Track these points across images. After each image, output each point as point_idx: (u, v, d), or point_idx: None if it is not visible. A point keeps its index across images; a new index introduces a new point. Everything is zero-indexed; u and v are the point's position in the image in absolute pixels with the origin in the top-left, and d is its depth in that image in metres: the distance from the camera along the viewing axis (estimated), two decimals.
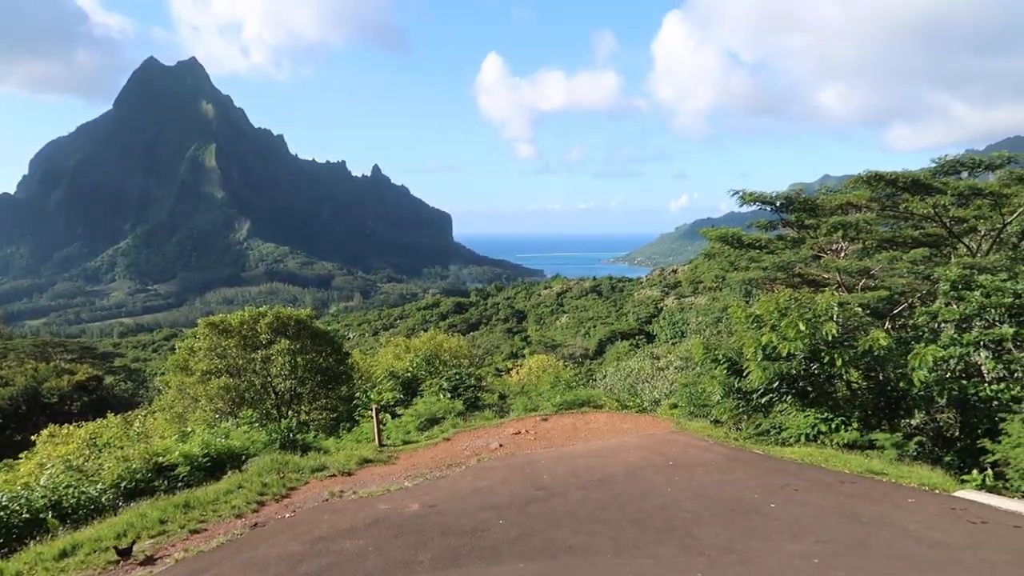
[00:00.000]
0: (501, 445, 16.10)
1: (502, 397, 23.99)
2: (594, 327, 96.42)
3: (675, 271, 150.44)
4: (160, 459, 14.45)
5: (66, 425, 23.84)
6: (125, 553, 9.80)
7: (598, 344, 78.56)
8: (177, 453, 14.59)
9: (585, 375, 36.78)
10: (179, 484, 13.76)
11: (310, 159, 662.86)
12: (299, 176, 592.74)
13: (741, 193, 25.03)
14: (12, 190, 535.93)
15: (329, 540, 10.03)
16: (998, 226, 24.44)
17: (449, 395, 21.85)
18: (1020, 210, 23.50)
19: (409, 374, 26.27)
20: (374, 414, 17.56)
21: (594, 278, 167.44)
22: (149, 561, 9.84)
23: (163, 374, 28.17)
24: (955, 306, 16.50)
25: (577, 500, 11.26)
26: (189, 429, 18.60)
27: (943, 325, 17.86)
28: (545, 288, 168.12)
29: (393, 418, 20.83)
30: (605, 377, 32.67)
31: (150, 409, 30.45)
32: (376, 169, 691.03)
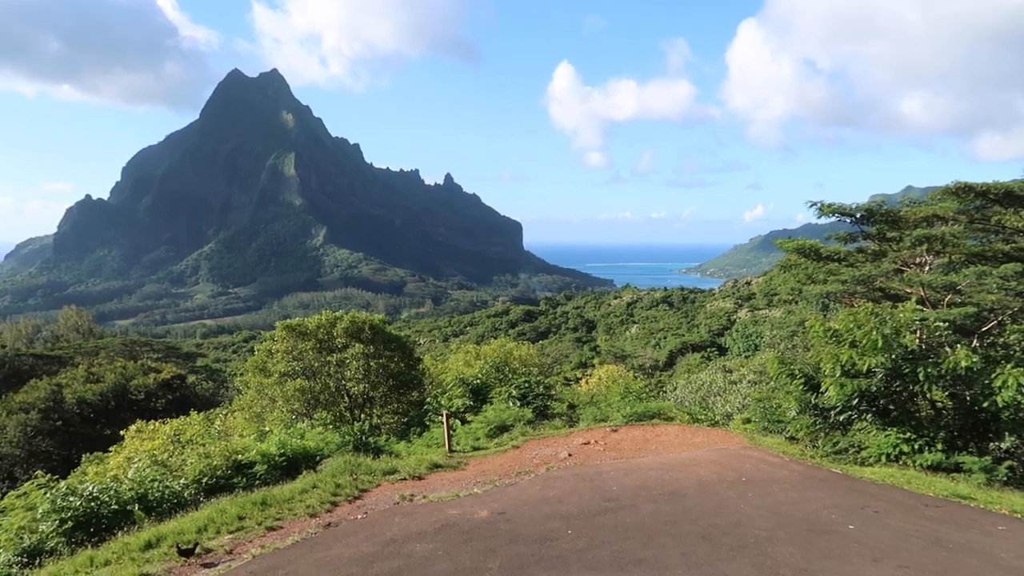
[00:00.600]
0: (570, 455, 16.05)
1: (571, 407, 23.92)
2: (664, 338, 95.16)
3: (749, 283, 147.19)
4: (239, 457, 14.93)
5: (152, 421, 24.88)
6: (188, 553, 10.02)
7: (669, 355, 77.49)
8: (255, 452, 15.06)
9: (655, 387, 36.33)
10: (257, 482, 14.19)
11: (384, 168, 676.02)
12: (374, 184, 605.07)
13: (819, 204, 24.35)
14: (106, 196, 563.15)
15: (400, 543, 10.18)
16: None
17: (518, 403, 21.90)
18: None
19: (479, 381, 26.45)
20: (444, 419, 17.73)
21: (665, 288, 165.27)
22: (227, 556, 10.17)
23: (242, 375, 29.07)
24: None
25: (647, 513, 11.14)
26: (267, 429, 19.15)
27: None
28: (615, 298, 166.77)
29: (463, 424, 20.99)
30: (676, 389, 32.21)
31: (230, 408, 31.45)
32: (448, 178, 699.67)
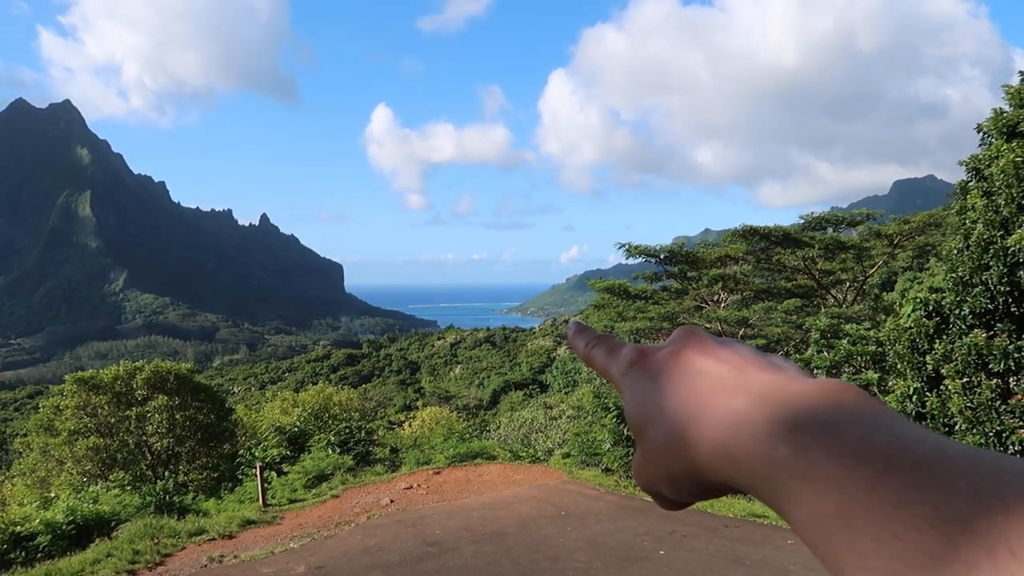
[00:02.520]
0: (392, 501, 15.73)
1: (394, 451, 23.50)
2: (488, 377, 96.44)
3: (566, 321, 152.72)
4: (18, 528, 13.31)
5: None
6: None
7: (492, 394, 78.51)
8: (38, 521, 13.48)
9: (479, 426, 36.59)
10: (39, 555, 12.69)
11: (194, 207, 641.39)
12: (181, 224, 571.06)
13: (627, 246, 25.95)
14: None
15: None
16: (860, 278, 26.27)
17: (338, 450, 21.22)
18: (878, 264, 25.36)
19: (296, 429, 25.38)
20: (258, 472, 16.82)
21: (488, 328, 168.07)
22: None
23: (25, 435, 26.10)
24: (826, 354, 17.53)
25: (469, 555, 11.11)
26: (53, 494, 17.27)
27: (816, 372, 18.92)
28: (439, 339, 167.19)
29: (279, 476, 20.00)
30: (499, 428, 32.59)
31: (8, 474, 28.09)
32: (264, 218, 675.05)
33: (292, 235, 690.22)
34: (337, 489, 17.39)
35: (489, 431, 34.16)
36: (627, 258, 26.28)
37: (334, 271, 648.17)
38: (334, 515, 14.88)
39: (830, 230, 26.06)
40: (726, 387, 0.50)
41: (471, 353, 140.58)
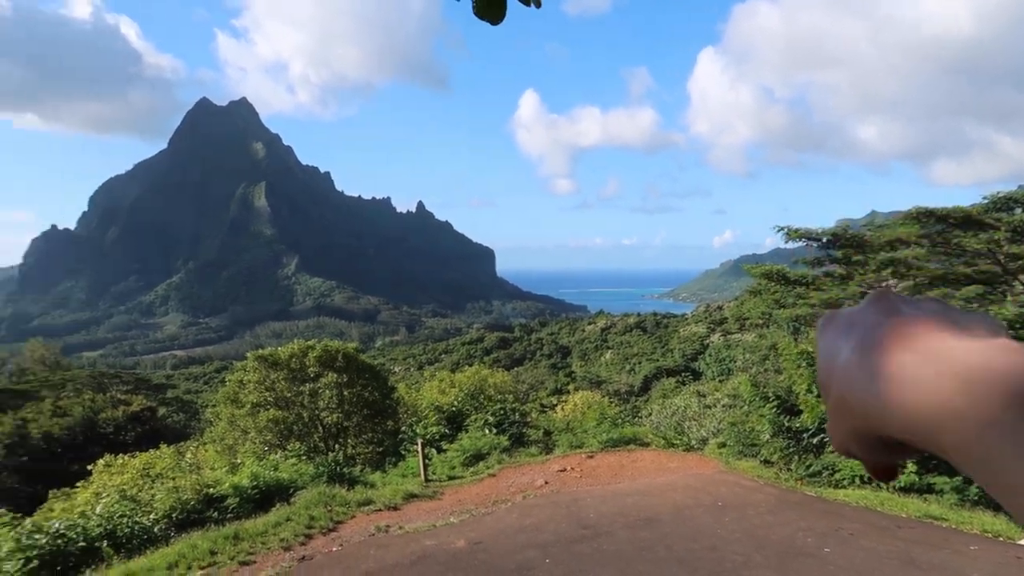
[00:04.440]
0: (546, 482, 16.00)
1: (547, 433, 23.85)
2: (639, 363, 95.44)
3: (720, 307, 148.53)
4: (211, 490, 14.69)
5: (121, 455, 24.36)
6: None
7: (643, 381, 77.68)
8: (227, 484, 14.82)
9: (631, 412, 36.34)
10: (229, 515, 13.96)
11: (356, 196, 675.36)
12: (345, 212, 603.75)
13: (786, 229, 24.79)
14: (72, 226, 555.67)
15: (375, 574, 10.06)
16: None
17: (494, 430, 21.81)
18: None
19: (454, 409, 26.28)
20: (419, 449, 17.60)
21: (639, 314, 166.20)
22: None
23: (214, 406, 28.64)
24: None
25: (624, 540, 11.12)
26: (239, 461, 18.85)
27: None
28: (589, 324, 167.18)
29: (439, 453, 20.84)
30: (651, 415, 32.24)
31: (201, 440, 30.92)
32: (420, 205, 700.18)
33: (446, 221, 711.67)
34: (494, 468, 17.91)
35: (641, 417, 33.89)
36: (786, 242, 25.09)
37: (486, 256, 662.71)
38: (491, 493, 15.34)
39: (1019, 211, 23.66)
40: (922, 352, 0.49)
41: (622, 338, 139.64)
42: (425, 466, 17.32)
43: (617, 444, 19.91)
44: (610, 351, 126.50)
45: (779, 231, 25.16)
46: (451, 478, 17.49)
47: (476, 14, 2.41)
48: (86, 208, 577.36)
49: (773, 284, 28.89)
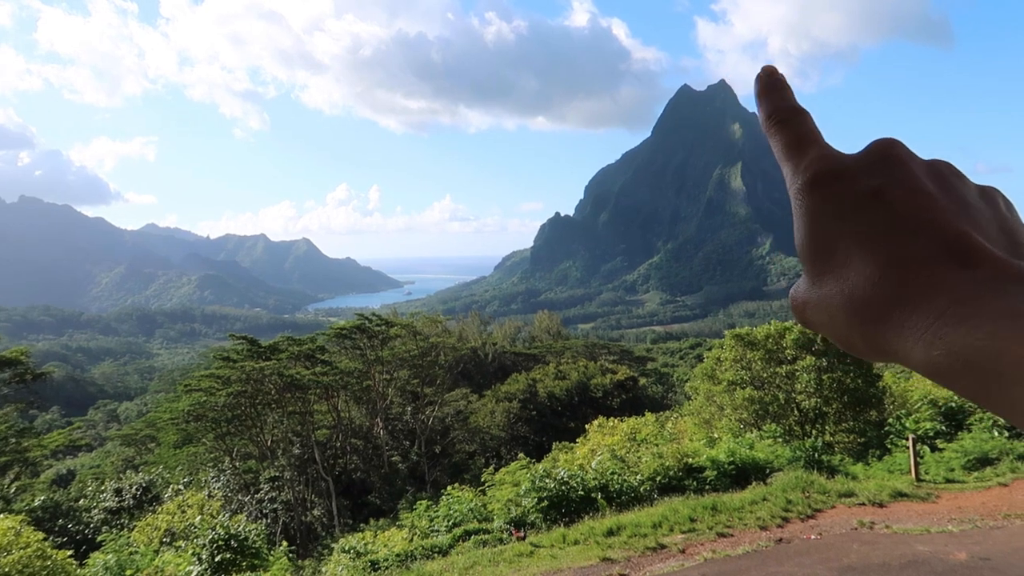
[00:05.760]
0: None
1: None
2: None
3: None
4: (690, 460, 15.41)
5: (610, 418, 27.02)
6: None
7: None
8: (705, 457, 15.38)
9: None
10: (706, 487, 14.49)
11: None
12: None
13: None
14: (571, 212, 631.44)
15: (859, 572, 9.46)
16: None
17: (1005, 433, 18.66)
18: None
19: (954, 404, 23.19)
20: (910, 444, 15.96)
21: None
22: (680, 554, 10.56)
23: (690, 380, 29.90)
24: None
25: None
26: (715, 435, 19.40)
27: None
28: None
29: (932, 451, 18.63)
30: None
31: (679, 412, 32.59)
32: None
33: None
34: (1005, 476, 15.36)
35: None
36: None
37: None
38: (1001, 504, 13.19)
39: None
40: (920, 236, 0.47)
41: None
42: (916, 464, 15.66)
43: None
44: None
45: None
46: (949, 481, 15.50)
47: None
48: (582, 196, 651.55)
49: None
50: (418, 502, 17.11)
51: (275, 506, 32.98)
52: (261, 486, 34.10)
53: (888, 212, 0.49)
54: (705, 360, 26.77)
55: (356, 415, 42.78)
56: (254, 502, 32.70)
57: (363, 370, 41.71)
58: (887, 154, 0.54)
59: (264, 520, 30.94)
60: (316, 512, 34.76)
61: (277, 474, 35.34)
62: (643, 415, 27.10)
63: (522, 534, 12.47)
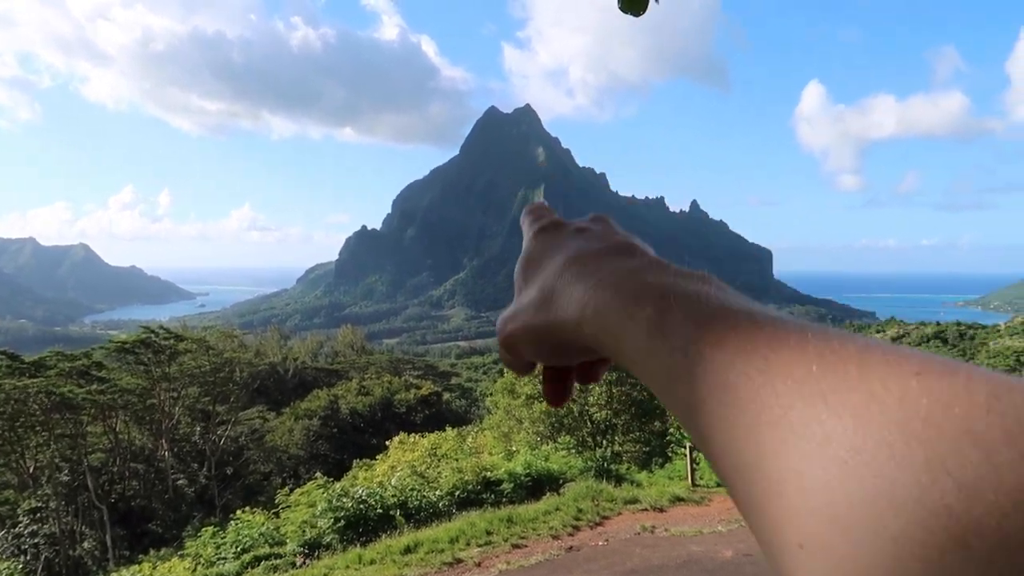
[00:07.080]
0: None
1: None
2: None
3: None
4: (488, 474, 15.69)
5: (412, 434, 26.92)
6: None
7: None
8: (503, 470, 15.74)
9: None
10: (503, 499, 14.81)
11: (630, 195, 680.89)
12: (619, 212, 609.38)
13: None
14: (378, 226, 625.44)
15: (640, 574, 10.09)
16: None
17: None
18: None
19: None
20: (687, 452, 17.33)
21: (937, 323, 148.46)
22: (476, 568, 10.72)
23: (492, 395, 30.57)
24: None
25: None
26: (514, 448, 19.92)
27: None
28: (878, 331, 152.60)
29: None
30: None
31: (481, 426, 33.14)
32: (694, 204, 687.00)
33: (722, 221, 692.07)
34: None
35: None
36: None
37: (763, 257, 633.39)
38: None
39: None
40: (599, 262, 0.59)
41: (917, 350, 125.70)
42: (693, 470, 17.01)
43: None
44: None
45: None
46: (719, 485, 16.92)
47: (620, 8, 2.35)
48: (389, 210, 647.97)
49: None
50: (204, 528, 16.01)
51: (36, 540, 29.50)
52: (20, 519, 30.37)
53: (587, 234, 0.65)
54: (506, 374, 27.45)
55: (138, 437, 39.35)
56: (10, 537, 29.08)
57: (147, 387, 38.53)
58: (593, 216, 0.71)
59: (23, 557, 27.65)
60: (87, 545, 31.47)
61: (40, 504, 31.66)
62: (445, 430, 27.27)
63: (302, 560, 12.09)
